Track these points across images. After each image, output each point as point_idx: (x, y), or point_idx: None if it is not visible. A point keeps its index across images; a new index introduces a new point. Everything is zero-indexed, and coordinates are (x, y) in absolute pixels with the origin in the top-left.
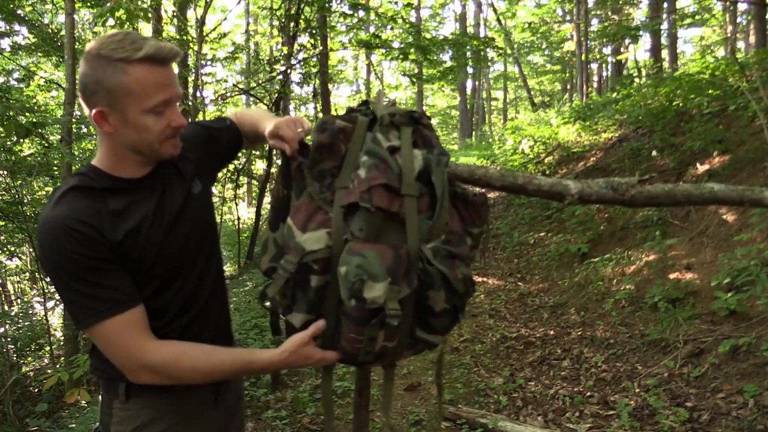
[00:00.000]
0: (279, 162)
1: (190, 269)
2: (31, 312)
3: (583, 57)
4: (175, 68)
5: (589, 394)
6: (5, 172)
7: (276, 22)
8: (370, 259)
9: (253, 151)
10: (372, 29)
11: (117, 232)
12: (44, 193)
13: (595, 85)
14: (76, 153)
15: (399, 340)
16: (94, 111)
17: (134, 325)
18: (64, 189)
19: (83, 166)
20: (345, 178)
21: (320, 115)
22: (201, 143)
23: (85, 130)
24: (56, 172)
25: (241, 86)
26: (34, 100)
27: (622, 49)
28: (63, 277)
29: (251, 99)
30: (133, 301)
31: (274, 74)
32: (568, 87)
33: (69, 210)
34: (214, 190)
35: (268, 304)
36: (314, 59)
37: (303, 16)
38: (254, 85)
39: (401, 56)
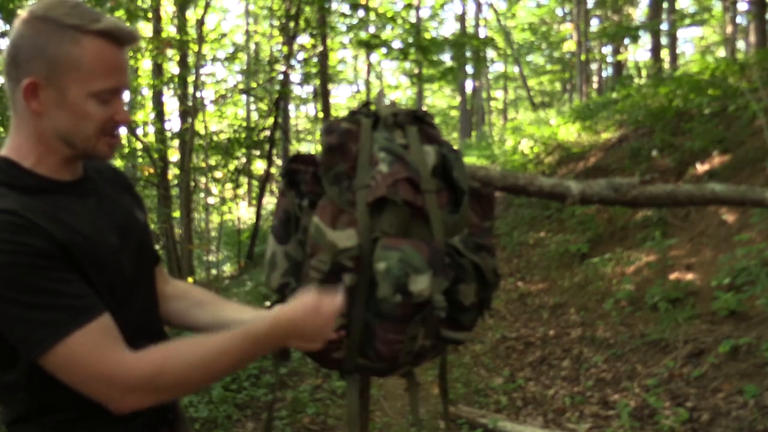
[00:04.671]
0: (280, 163)
1: (141, 294)
2: None
3: (583, 57)
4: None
5: (589, 394)
6: None
7: (276, 22)
8: (409, 253)
9: (254, 151)
10: (372, 29)
11: (59, 231)
12: None
13: (595, 85)
14: None
15: (432, 339)
16: (25, 81)
17: (109, 334)
18: None
19: None
20: (363, 177)
21: (320, 115)
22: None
23: None
24: None
25: (241, 86)
26: None
27: (622, 49)
28: (7, 292)
29: (251, 99)
30: (101, 306)
31: (274, 74)
32: (568, 87)
33: (1, 196)
34: (214, 189)
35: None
36: (314, 59)
37: (303, 16)
38: (254, 85)
39: (401, 56)
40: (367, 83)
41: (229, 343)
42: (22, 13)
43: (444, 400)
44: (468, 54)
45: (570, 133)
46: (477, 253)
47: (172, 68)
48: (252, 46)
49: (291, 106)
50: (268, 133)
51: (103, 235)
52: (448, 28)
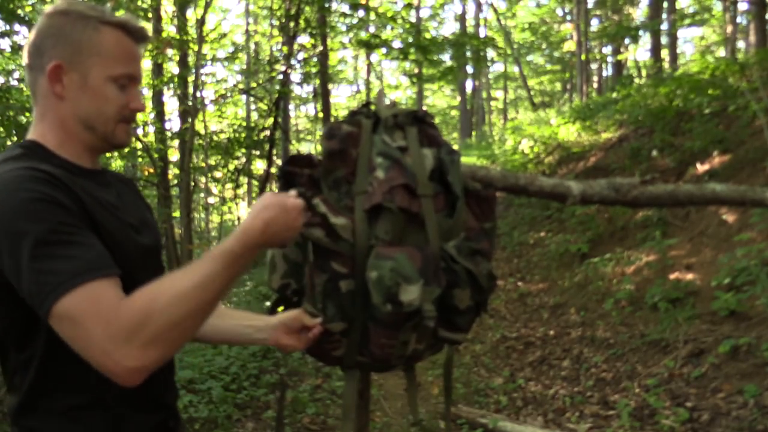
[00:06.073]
0: (280, 163)
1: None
2: None
3: (583, 57)
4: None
5: (589, 394)
6: None
7: (276, 22)
8: (402, 262)
9: (254, 151)
10: (372, 29)
11: (87, 200)
12: None
13: (595, 85)
14: None
15: (426, 342)
16: (50, 64)
17: (117, 293)
18: (7, 156)
19: (21, 142)
20: (362, 182)
21: (320, 115)
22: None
23: None
24: None
25: (241, 86)
26: None
27: (622, 49)
28: (26, 241)
29: (251, 99)
30: (115, 267)
31: (274, 74)
32: (568, 87)
33: (30, 161)
34: (214, 189)
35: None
36: (314, 59)
37: (303, 16)
38: (254, 85)
39: (401, 56)
40: (367, 83)
41: (210, 266)
42: (46, 10)
43: (447, 400)
44: (468, 54)
45: (570, 133)
46: (472, 258)
47: (172, 68)
48: (252, 46)
49: (291, 106)
50: (268, 133)
51: (124, 223)
52: (448, 28)
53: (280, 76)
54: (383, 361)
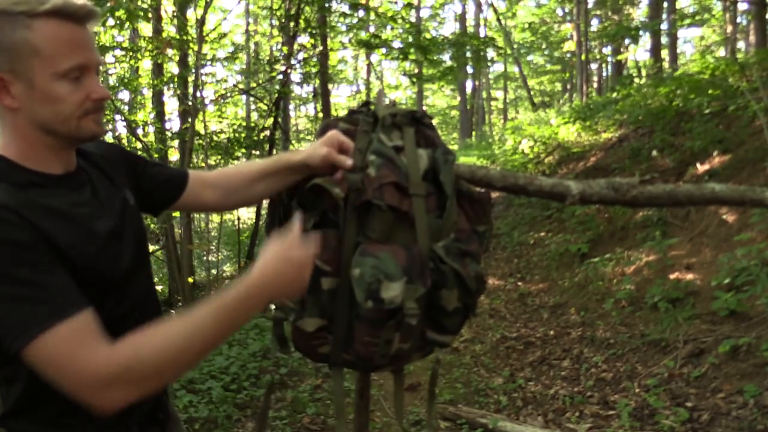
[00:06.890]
0: None
1: (137, 284)
2: None
3: (583, 57)
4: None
5: (589, 394)
6: None
7: (276, 22)
8: (385, 260)
9: (254, 151)
10: (372, 29)
11: (48, 224)
12: None
13: (595, 85)
14: None
15: (412, 342)
16: None
17: (88, 330)
18: None
19: None
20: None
21: (320, 115)
22: (123, 162)
23: None
24: None
25: (241, 86)
26: None
27: (622, 49)
28: None
29: (251, 99)
30: (82, 302)
31: (274, 74)
32: (568, 87)
33: None
34: None
35: (274, 311)
36: (314, 59)
37: (303, 16)
38: (254, 85)
39: (401, 56)
40: (367, 83)
41: (203, 321)
42: None
43: (430, 406)
44: (468, 54)
45: (570, 133)
46: (461, 260)
47: (172, 68)
48: (252, 46)
49: (291, 106)
50: (268, 133)
51: (96, 226)
52: (448, 28)
53: (280, 76)
54: (367, 360)
